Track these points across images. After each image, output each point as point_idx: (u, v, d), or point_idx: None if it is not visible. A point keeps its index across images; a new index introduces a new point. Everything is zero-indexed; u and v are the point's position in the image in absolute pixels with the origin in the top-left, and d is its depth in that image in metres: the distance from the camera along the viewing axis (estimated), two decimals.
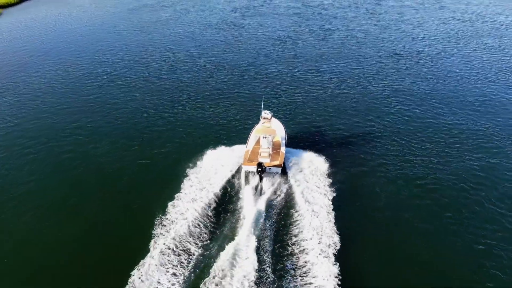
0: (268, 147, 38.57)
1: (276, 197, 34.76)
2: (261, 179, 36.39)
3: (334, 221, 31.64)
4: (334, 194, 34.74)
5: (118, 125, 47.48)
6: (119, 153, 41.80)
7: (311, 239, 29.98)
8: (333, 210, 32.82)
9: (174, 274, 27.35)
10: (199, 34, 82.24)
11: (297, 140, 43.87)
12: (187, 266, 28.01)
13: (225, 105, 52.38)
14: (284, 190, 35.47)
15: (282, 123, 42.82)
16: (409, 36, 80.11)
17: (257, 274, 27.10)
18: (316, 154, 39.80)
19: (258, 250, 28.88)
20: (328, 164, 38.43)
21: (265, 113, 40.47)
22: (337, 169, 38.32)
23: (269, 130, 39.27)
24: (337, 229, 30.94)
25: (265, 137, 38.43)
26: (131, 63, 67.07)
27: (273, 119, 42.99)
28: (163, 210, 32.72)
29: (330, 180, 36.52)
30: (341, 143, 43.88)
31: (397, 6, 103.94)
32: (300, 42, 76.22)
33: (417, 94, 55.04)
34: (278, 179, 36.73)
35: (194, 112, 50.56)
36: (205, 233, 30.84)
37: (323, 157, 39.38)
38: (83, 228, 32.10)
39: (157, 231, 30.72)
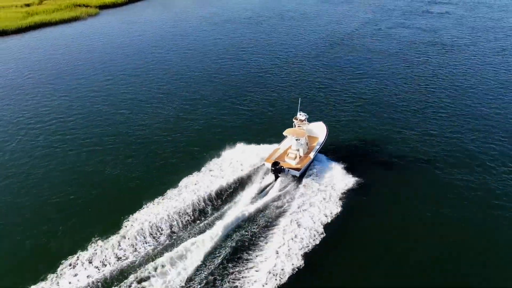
0: (298, 149, 36.07)
1: (275, 202, 32.79)
2: (276, 178, 34.56)
3: (310, 248, 28.17)
4: (330, 220, 30.71)
5: (181, 111, 51.63)
6: (162, 133, 45.64)
7: (266, 259, 27.52)
8: (320, 235, 29.25)
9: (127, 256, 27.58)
10: (275, 57, 69.34)
11: (336, 149, 40.10)
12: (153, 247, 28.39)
13: (273, 111, 50.58)
14: (287, 197, 32.95)
15: (327, 127, 39.70)
16: None
17: (197, 273, 26.44)
18: (344, 170, 35.98)
19: (212, 251, 27.88)
20: (348, 186, 34.19)
21: (300, 115, 37.61)
22: (356, 193, 33.65)
23: (299, 132, 36.30)
24: (303, 257, 27.46)
25: (298, 139, 35.86)
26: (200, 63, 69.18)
27: (319, 122, 40.61)
28: (170, 188, 34.14)
29: (340, 203, 32.38)
30: (380, 165, 38.16)
31: None
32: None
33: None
34: (291, 184, 34.19)
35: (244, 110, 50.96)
36: (190, 220, 30.88)
37: (350, 175, 35.22)
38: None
39: (147, 209, 31.88)
